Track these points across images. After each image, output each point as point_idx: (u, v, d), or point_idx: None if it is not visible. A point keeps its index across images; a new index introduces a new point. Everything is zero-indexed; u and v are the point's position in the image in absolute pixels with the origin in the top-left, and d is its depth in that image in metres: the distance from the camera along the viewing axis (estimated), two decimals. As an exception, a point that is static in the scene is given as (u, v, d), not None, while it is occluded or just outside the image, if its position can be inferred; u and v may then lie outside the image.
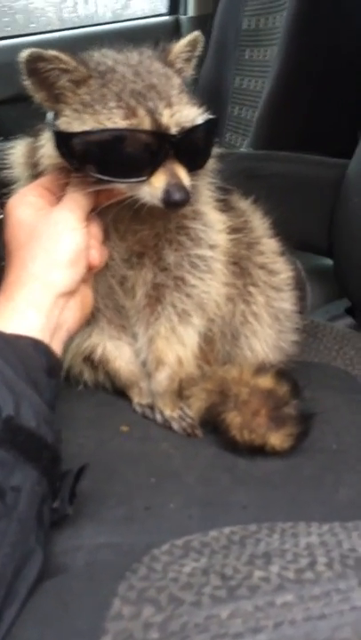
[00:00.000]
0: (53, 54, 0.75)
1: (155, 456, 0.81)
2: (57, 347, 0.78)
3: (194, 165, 0.80)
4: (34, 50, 0.75)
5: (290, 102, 1.81)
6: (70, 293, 0.79)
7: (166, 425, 0.90)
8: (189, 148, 0.77)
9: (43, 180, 0.82)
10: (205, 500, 0.72)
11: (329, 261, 1.50)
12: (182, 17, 2.72)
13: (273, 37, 2.03)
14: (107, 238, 0.84)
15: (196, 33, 0.86)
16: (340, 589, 0.49)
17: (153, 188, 0.75)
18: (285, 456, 0.83)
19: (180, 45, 0.85)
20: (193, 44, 0.86)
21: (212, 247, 0.89)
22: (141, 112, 0.74)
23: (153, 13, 2.89)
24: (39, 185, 0.82)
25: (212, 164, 0.88)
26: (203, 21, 2.53)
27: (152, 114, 0.74)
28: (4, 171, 0.89)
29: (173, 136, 0.75)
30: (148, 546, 0.61)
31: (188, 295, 0.89)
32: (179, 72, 0.84)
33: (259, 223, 1.00)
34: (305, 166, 1.47)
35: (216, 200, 0.92)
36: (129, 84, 0.76)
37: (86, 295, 0.84)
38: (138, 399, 0.93)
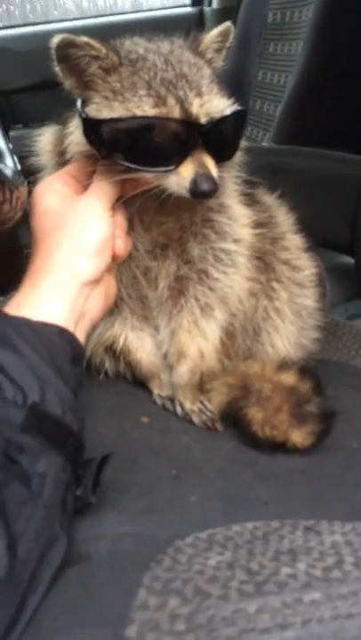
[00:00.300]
0: (85, 41, 0.75)
1: (175, 448, 0.80)
2: (80, 335, 0.78)
3: (222, 157, 0.79)
4: (65, 36, 0.74)
5: (314, 98, 1.80)
6: (95, 282, 0.79)
7: (186, 418, 0.89)
8: (218, 138, 0.77)
9: (69, 169, 0.82)
10: (227, 494, 0.71)
11: (349, 259, 1.49)
12: (206, 9, 2.71)
13: (298, 32, 2.01)
14: (131, 229, 0.84)
15: (228, 24, 0.85)
16: (368, 589, 0.49)
17: (181, 178, 0.74)
18: (306, 454, 0.82)
19: (211, 36, 0.84)
20: (224, 34, 0.85)
21: (236, 241, 0.89)
22: (171, 101, 0.73)
23: (175, 4, 2.88)
24: (66, 173, 0.82)
25: (239, 156, 0.87)
26: (227, 14, 2.52)
27: (182, 103, 0.74)
28: (31, 158, 0.89)
29: (203, 126, 0.74)
30: (170, 537, 0.60)
31: (210, 289, 0.88)
32: (209, 62, 0.84)
33: (284, 218, 0.99)
34: (329, 162, 1.46)
35: (242, 194, 0.92)
36: (159, 73, 0.75)
37: (110, 285, 0.84)
38: (158, 391, 0.93)
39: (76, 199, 0.79)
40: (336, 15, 1.78)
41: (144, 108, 0.73)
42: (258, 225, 0.93)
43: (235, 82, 2.36)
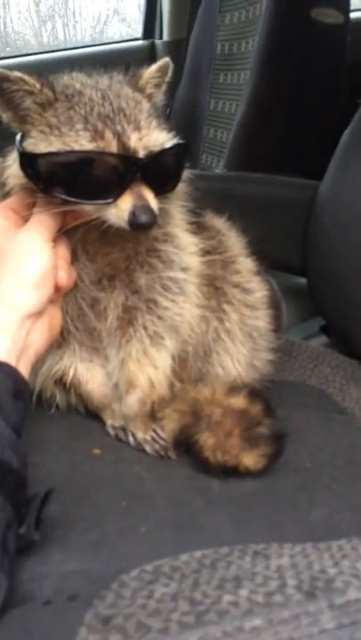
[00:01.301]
0: (18, 76, 0.75)
1: (127, 479, 0.79)
2: (24, 369, 0.77)
3: (163, 189, 0.80)
4: None
5: (262, 125, 1.84)
6: (37, 314, 0.78)
7: (139, 448, 0.89)
8: (157, 171, 0.78)
9: (9, 202, 0.82)
10: (177, 522, 0.71)
11: (303, 280, 1.51)
12: (157, 41, 2.76)
13: (246, 62, 2.07)
14: (75, 259, 0.84)
15: (166, 59, 0.87)
16: (309, 612, 0.49)
17: (120, 210, 0.75)
18: (259, 476, 0.82)
19: (150, 71, 0.85)
20: (163, 69, 0.86)
21: (184, 269, 0.89)
22: (109, 135, 0.74)
23: (129, 37, 2.94)
24: (5, 206, 0.81)
25: (182, 187, 0.88)
26: (177, 46, 2.58)
27: (119, 137, 0.75)
28: None
29: (140, 159, 0.75)
30: (117, 571, 0.59)
31: (159, 317, 0.88)
32: (149, 97, 0.85)
33: (234, 241, 1.00)
34: (278, 187, 1.49)
35: (189, 222, 0.92)
36: (96, 107, 0.76)
37: (55, 316, 0.83)
38: (111, 421, 0.92)
39: (15, 232, 0.78)
40: (279, 44, 1.83)
41: (81, 142, 0.74)
42: (207, 252, 0.94)
43: (188, 111, 2.41)
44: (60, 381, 0.92)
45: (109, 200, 0.75)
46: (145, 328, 0.88)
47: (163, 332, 0.89)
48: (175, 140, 0.81)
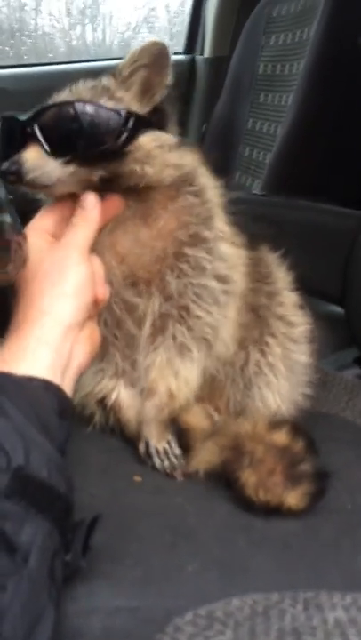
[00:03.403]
0: None
1: (169, 511, 0.78)
2: (68, 385, 0.77)
3: (64, 148, 0.79)
4: None
5: (306, 148, 1.83)
6: (79, 327, 0.79)
7: (147, 459, 0.88)
8: (46, 129, 0.79)
9: (40, 223, 0.85)
10: (223, 562, 0.70)
11: (338, 309, 1.50)
12: (198, 57, 2.76)
13: (289, 84, 2.06)
14: (105, 264, 0.84)
15: (155, 40, 0.81)
16: None
17: None
18: (301, 516, 0.81)
19: (130, 54, 0.83)
20: (147, 50, 0.81)
21: (219, 279, 0.87)
22: None
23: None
24: (36, 228, 0.84)
25: (215, 194, 0.89)
26: (218, 63, 2.58)
27: None
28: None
29: (26, 120, 0.79)
30: (168, 613, 0.58)
31: (189, 328, 0.87)
32: (124, 79, 0.83)
33: (282, 275, 1.00)
34: (321, 215, 1.49)
35: (236, 235, 0.92)
36: None
37: (94, 330, 0.84)
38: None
39: (53, 246, 0.81)
40: (327, 69, 1.83)
41: None
42: (255, 279, 0.93)
43: (225, 128, 2.40)
44: (102, 402, 0.91)
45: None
46: (174, 338, 0.87)
47: (191, 343, 0.87)
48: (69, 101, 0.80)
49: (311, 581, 0.68)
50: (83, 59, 3.14)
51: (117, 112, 0.79)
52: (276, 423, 0.90)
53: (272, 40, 2.21)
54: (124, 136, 0.79)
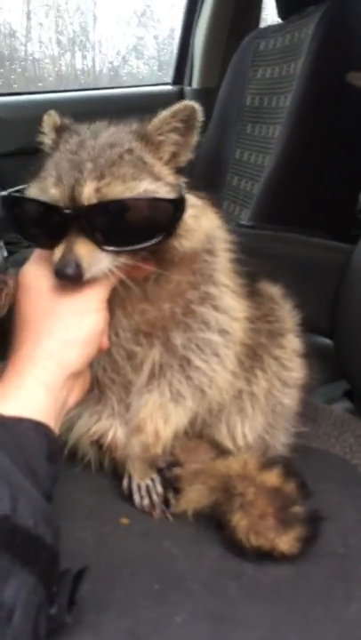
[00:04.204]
0: (64, 123, 0.81)
1: (157, 556, 0.76)
2: (57, 426, 0.75)
3: (118, 243, 0.74)
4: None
5: (293, 179, 1.85)
6: (78, 375, 0.77)
7: (129, 495, 0.86)
8: (105, 223, 0.73)
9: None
10: (213, 613, 0.67)
11: (327, 341, 1.50)
12: (187, 88, 2.80)
13: (276, 116, 2.09)
14: (112, 315, 0.81)
15: (187, 102, 0.76)
16: None
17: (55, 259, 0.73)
18: (293, 561, 0.79)
19: (161, 118, 0.77)
20: (180, 114, 0.76)
21: (221, 333, 0.87)
22: (66, 182, 0.73)
23: (148, 76, 3.01)
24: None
25: (223, 245, 0.87)
26: (207, 94, 2.61)
27: (74, 185, 0.72)
28: None
29: (80, 210, 0.72)
30: (156, 671, 0.56)
31: (188, 377, 0.86)
32: (157, 145, 0.77)
33: (287, 315, 0.98)
34: (312, 249, 1.49)
35: (239, 285, 0.89)
36: (70, 155, 0.75)
37: (86, 378, 0.82)
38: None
39: (73, 291, 0.76)
40: (314, 103, 1.87)
41: (48, 188, 0.74)
42: (253, 320, 0.91)
43: (213, 158, 2.43)
44: (97, 442, 0.89)
45: (51, 248, 0.74)
46: (170, 384, 0.86)
47: (186, 392, 0.86)
48: (143, 193, 0.74)
49: (303, 632, 0.66)
50: (71, 87, 3.18)
51: (171, 202, 0.75)
52: (266, 463, 0.88)
53: (259, 73, 2.25)
54: (177, 224, 0.76)
